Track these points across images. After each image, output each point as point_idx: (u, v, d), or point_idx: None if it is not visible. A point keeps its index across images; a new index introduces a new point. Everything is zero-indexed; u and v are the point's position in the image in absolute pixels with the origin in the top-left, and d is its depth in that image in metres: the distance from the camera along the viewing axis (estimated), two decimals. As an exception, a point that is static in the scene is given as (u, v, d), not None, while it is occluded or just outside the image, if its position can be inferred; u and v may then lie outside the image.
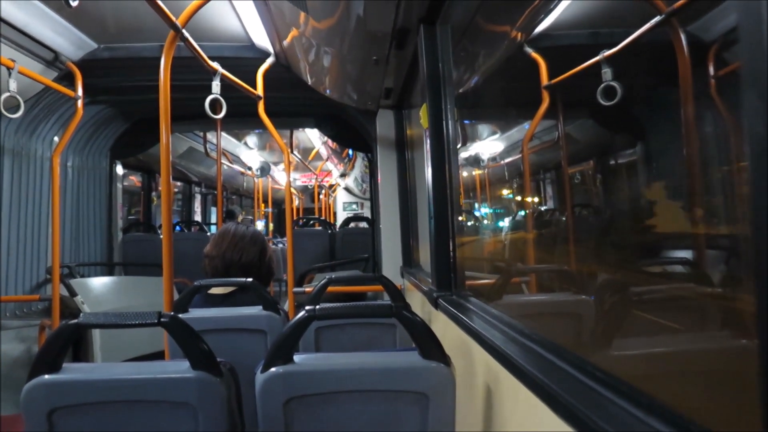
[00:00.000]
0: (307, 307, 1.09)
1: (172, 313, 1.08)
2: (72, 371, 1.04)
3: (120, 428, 1.04)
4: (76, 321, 1.03)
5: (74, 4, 1.57)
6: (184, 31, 2.00)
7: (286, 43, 2.81)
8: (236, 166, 8.44)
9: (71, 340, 1.06)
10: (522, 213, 2.42)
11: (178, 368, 1.05)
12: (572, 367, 0.90)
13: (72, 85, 3.01)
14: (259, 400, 1.05)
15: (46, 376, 1.02)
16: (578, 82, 1.54)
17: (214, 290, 1.96)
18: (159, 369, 1.07)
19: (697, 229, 0.95)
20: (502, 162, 2.74)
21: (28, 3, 2.38)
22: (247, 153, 8.26)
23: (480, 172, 2.88)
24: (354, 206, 13.50)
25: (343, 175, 11.61)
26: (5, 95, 2.37)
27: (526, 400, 0.94)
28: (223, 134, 6.74)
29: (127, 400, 1.03)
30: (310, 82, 3.24)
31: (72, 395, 1.02)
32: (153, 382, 1.03)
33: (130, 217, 6.64)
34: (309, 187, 13.14)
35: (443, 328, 1.78)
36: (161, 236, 5.54)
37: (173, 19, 1.92)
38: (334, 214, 13.49)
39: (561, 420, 0.80)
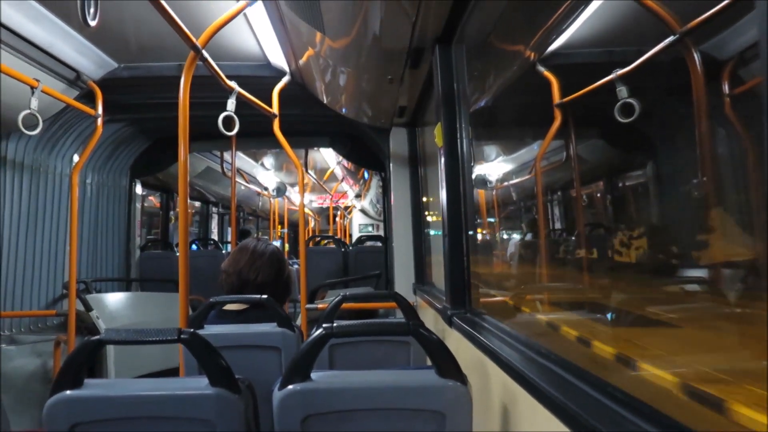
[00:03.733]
0: (324, 325, 1.09)
1: (192, 330, 1.09)
2: (93, 387, 1.05)
3: None
4: (98, 337, 1.05)
5: (93, 23, 1.60)
6: (203, 51, 2.04)
7: (302, 62, 2.86)
8: (253, 187, 8.52)
9: (93, 356, 1.07)
10: (533, 233, 2.42)
11: (198, 385, 1.06)
12: (592, 387, 0.90)
13: (92, 103, 3.07)
14: (276, 417, 1.06)
15: (68, 392, 1.03)
16: (591, 99, 1.55)
17: (229, 306, 1.97)
18: (178, 385, 1.07)
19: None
20: (513, 182, 2.74)
21: (52, 23, 2.45)
22: (264, 174, 8.35)
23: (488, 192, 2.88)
24: (370, 228, 13.49)
25: (358, 196, 11.66)
26: (24, 113, 2.43)
27: (544, 421, 0.93)
28: (241, 155, 6.82)
29: (148, 416, 1.04)
30: (325, 101, 3.28)
31: (93, 411, 1.03)
32: (173, 398, 1.04)
33: (149, 237, 6.73)
34: (325, 208, 13.20)
35: (457, 345, 1.77)
36: (178, 254, 5.54)
37: (194, 39, 1.96)
38: (350, 236, 13.54)
39: (581, 441, 0.80)
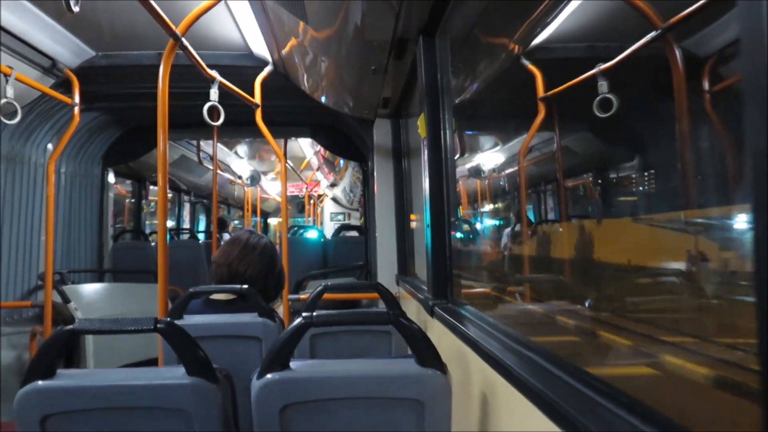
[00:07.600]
0: (304, 314, 1.08)
1: (169, 319, 1.07)
2: (66, 377, 1.03)
3: None
4: (71, 327, 1.02)
5: (76, 9, 1.57)
6: (183, 39, 2.01)
7: (284, 51, 2.82)
8: (226, 175, 8.44)
9: (66, 347, 1.05)
10: (518, 224, 2.43)
11: (174, 374, 1.04)
12: (569, 375, 0.91)
13: (69, 91, 3.00)
14: (255, 406, 1.05)
15: (40, 383, 1.01)
16: (574, 94, 1.55)
17: (216, 296, 1.95)
18: (154, 375, 1.06)
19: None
20: (499, 174, 2.75)
21: (27, 11, 2.39)
22: (238, 162, 8.30)
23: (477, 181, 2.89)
24: (340, 217, 13.61)
25: (332, 185, 11.66)
26: (3, 101, 2.37)
27: (523, 409, 0.94)
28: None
29: (122, 407, 1.02)
30: (308, 91, 3.26)
31: (66, 402, 1.01)
32: (148, 388, 1.02)
33: (117, 226, 6.60)
34: (299, 196, 13.25)
35: (439, 335, 1.78)
36: (152, 244, 5.52)
37: (173, 27, 1.92)
38: (322, 224, 13.63)
39: (558, 429, 0.80)
